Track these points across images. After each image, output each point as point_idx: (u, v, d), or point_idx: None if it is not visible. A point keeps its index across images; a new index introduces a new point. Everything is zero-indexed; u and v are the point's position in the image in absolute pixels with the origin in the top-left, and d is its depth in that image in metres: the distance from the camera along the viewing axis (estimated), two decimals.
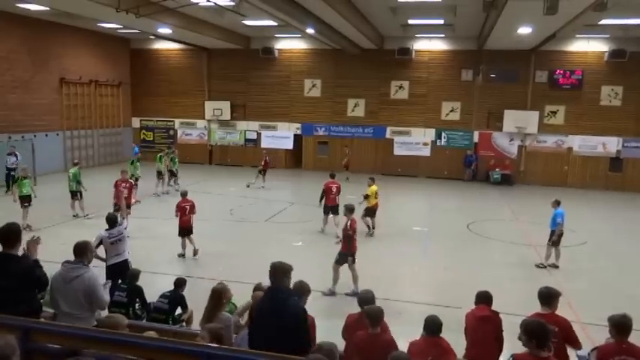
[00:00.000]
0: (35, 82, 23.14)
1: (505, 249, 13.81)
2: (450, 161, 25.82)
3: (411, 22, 21.45)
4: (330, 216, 14.53)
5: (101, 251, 8.67)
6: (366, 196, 14.53)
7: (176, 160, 20.97)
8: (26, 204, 14.16)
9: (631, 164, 24.14)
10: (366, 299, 5.71)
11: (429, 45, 25.62)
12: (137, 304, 7.32)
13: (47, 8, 19.46)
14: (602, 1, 13.26)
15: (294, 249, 12.89)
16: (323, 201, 14.73)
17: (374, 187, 14.59)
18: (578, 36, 22.87)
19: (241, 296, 6.91)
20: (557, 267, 12.03)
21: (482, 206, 19.97)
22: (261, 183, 21.60)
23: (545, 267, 12.11)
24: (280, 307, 4.38)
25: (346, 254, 10.01)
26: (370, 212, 14.54)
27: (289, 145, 27.99)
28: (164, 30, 22.29)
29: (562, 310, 5.74)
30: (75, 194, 15.62)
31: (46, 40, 23.43)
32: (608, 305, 7.80)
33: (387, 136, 26.66)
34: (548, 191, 19.88)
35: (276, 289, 4.50)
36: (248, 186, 21.60)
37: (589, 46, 23.87)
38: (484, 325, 5.82)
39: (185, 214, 12.12)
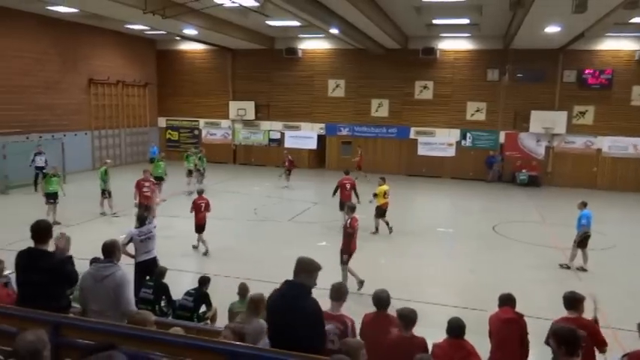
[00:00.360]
0: (65, 82, 23.69)
1: (532, 251, 13.58)
2: (476, 162, 25.51)
3: (435, 21, 21.29)
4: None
5: (131, 248, 8.85)
6: (375, 195, 14.71)
7: (204, 159, 21.27)
8: (52, 201, 14.50)
9: None
10: (380, 299, 5.61)
11: (454, 44, 25.37)
12: (163, 302, 7.41)
13: (76, 10, 19.88)
14: None
15: (318, 249, 12.89)
16: (338, 194, 15.18)
17: (384, 187, 14.74)
18: (608, 35, 22.33)
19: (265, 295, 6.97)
20: (585, 270, 11.78)
21: (509, 208, 19.69)
22: (285, 183, 21.74)
23: (568, 267, 11.91)
24: (289, 304, 4.29)
25: (341, 251, 10.15)
26: (380, 212, 14.67)
27: (313, 145, 28.05)
28: (189, 31, 22.56)
29: (590, 314, 5.63)
30: (104, 192, 15.94)
31: (76, 41, 23.96)
32: (638, 311, 7.62)
33: (411, 136, 26.50)
34: (577, 193, 19.47)
35: (290, 285, 4.42)
36: (280, 176, 22.07)
37: (619, 45, 23.31)
38: (509, 328, 5.74)
39: (201, 211, 12.45)
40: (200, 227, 12.46)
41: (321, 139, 27.97)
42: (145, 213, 9.52)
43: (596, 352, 5.39)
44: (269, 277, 9.19)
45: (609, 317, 8.57)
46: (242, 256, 12.29)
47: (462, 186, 23.99)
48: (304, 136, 28.13)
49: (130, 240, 8.81)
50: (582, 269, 11.81)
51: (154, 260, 8.92)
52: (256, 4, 17.34)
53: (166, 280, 7.77)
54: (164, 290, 7.52)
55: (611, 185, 23.78)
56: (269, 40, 27.17)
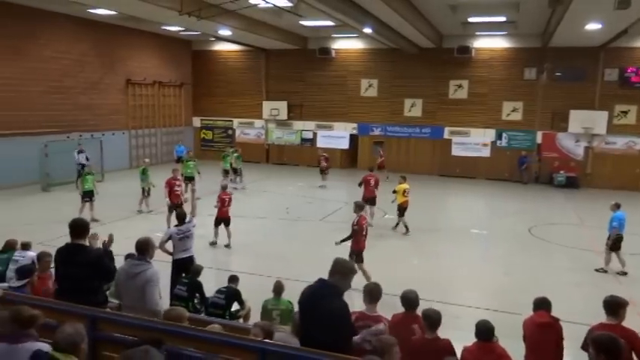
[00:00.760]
0: (103, 83, 24.35)
1: (569, 254, 13.25)
2: (511, 163, 24.98)
3: (471, 19, 20.97)
4: (367, 207, 15.26)
5: (169, 246, 9.06)
6: (394, 192, 14.85)
7: (240, 158, 21.51)
8: (87, 199, 14.88)
9: None
10: (408, 299, 5.54)
11: (490, 43, 24.91)
12: (196, 299, 7.53)
13: (115, 13, 20.40)
14: None
15: (348, 249, 12.85)
16: (362, 189, 15.61)
17: (403, 185, 14.82)
18: None
19: (296, 295, 6.99)
20: (625, 274, 11.41)
21: (546, 209, 19.20)
22: (320, 182, 21.79)
23: (605, 272, 11.54)
24: (317, 302, 4.29)
25: (351, 250, 10.19)
26: (402, 211, 14.79)
27: (345, 144, 28.02)
28: (224, 32, 22.84)
29: (630, 321, 5.40)
30: (143, 191, 16.29)
31: (114, 43, 24.59)
32: None
33: (445, 136, 26.17)
34: (618, 195, 18.77)
35: (322, 284, 4.42)
36: (323, 187, 21.87)
37: None
38: (545, 332, 5.60)
39: (224, 206, 12.90)
40: (225, 221, 12.91)
41: (353, 139, 27.92)
42: (184, 211, 9.66)
43: None
44: (300, 276, 9.22)
45: None
46: (274, 255, 12.37)
47: (497, 187, 23.54)
48: (337, 136, 28.12)
49: (169, 238, 9.03)
50: (623, 273, 11.43)
51: (191, 259, 9.07)
52: (290, 4, 17.43)
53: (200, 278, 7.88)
54: (198, 288, 7.63)
55: None
56: (302, 40, 27.28)
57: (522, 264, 12.31)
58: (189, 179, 17.95)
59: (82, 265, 5.05)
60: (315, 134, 28.63)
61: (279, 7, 17.70)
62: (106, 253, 5.35)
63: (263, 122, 29.55)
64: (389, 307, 5.28)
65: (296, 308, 6.59)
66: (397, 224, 14.95)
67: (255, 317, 7.31)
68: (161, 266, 6.73)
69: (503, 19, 20.47)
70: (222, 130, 30.55)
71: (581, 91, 23.79)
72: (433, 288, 9.36)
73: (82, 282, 5.04)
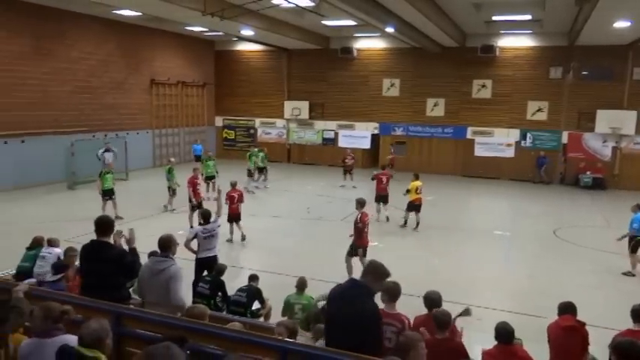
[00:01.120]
0: (128, 83, 24.71)
1: (595, 257, 12.97)
2: (536, 163, 24.62)
3: (495, 18, 20.68)
4: (380, 205, 15.76)
5: (194, 244, 9.18)
6: (408, 191, 14.98)
7: (267, 157, 21.74)
8: (107, 197, 15.03)
9: None
10: (431, 300, 5.56)
11: (515, 41, 24.55)
12: (218, 297, 7.59)
13: (139, 14, 20.68)
14: None
15: (371, 250, 12.81)
16: (374, 184, 15.92)
17: (416, 183, 15.02)
18: None
19: (316, 293, 7.07)
20: (633, 275, 11.23)
21: (571, 211, 18.85)
22: (350, 182, 21.72)
23: (633, 275, 11.32)
24: (347, 302, 4.26)
25: (355, 246, 10.40)
26: (411, 207, 14.93)
27: (366, 144, 27.93)
28: (247, 32, 22.97)
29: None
30: (169, 189, 16.46)
31: (138, 43, 24.94)
32: None
33: (468, 136, 25.88)
34: None
35: (353, 284, 4.41)
36: (354, 187, 21.26)
37: None
38: (570, 336, 5.50)
39: (234, 203, 13.14)
40: (233, 217, 13.17)
41: (374, 138, 27.82)
42: (209, 210, 9.75)
43: None
44: (320, 275, 9.27)
45: None
46: (294, 254, 12.40)
47: (521, 188, 23.18)
48: (358, 136, 28.05)
49: (195, 236, 9.15)
50: (630, 274, 11.24)
51: (215, 258, 9.14)
52: (312, 3, 17.45)
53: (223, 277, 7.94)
54: (220, 286, 7.69)
55: None
56: (324, 40, 27.28)
57: (546, 266, 12.10)
58: (210, 178, 18.13)
59: (106, 262, 5.14)
60: (336, 134, 28.59)
61: (301, 6, 17.73)
62: (131, 250, 5.41)
63: (285, 122, 29.65)
64: (407, 307, 5.23)
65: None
66: (405, 222, 15.11)
67: (275, 315, 7.35)
68: (184, 264, 6.80)
69: (528, 17, 20.15)
70: (244, 130, 30.74)
71: (608, 90, 23.29)
72: (454, 289, 9.26)
73: (106, 278, 5.13)
